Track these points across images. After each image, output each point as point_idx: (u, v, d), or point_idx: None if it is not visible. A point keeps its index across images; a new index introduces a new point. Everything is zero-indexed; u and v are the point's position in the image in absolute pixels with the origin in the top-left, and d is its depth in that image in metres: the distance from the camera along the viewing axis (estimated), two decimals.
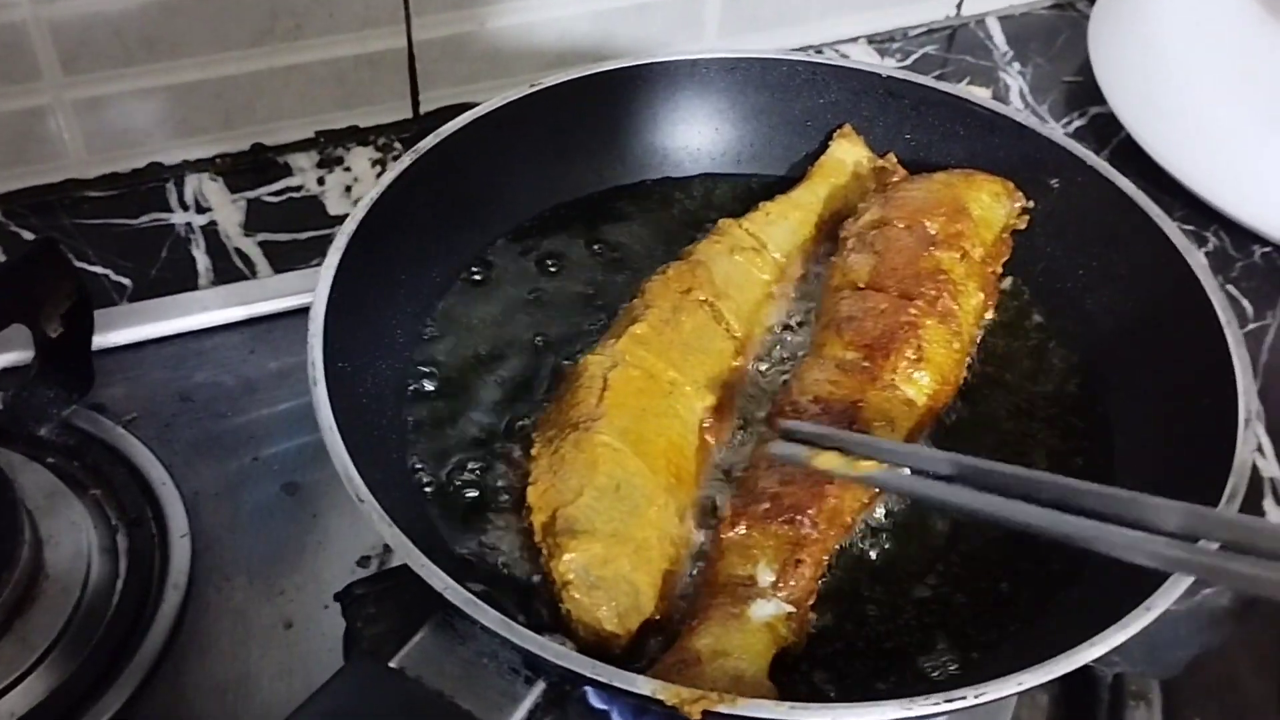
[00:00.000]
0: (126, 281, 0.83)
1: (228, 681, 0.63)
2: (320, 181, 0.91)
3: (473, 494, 0.59)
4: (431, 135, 0.68)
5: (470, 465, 0.60)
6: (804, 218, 0.71)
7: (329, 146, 0.94)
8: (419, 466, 0.60)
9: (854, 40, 1.07)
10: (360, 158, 0.93)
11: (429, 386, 0.64)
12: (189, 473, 0.71)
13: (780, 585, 0.51)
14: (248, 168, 0.91)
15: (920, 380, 0.60)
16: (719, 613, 0.50)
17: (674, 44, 0.97)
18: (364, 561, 0.68)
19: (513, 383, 0.65)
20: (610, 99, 0.74)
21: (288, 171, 0.92)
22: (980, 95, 0.74)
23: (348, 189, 0.91)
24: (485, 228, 0.71)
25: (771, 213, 0.70)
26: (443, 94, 0.95)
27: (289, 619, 0.66)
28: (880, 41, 1.07)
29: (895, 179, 0.70)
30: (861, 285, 0.63)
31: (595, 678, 0.44)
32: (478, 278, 0.70)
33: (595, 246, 0.73)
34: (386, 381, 0.63)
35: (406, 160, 0.66)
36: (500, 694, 0.46)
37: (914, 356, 0.59)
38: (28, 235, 0.84)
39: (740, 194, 0.76)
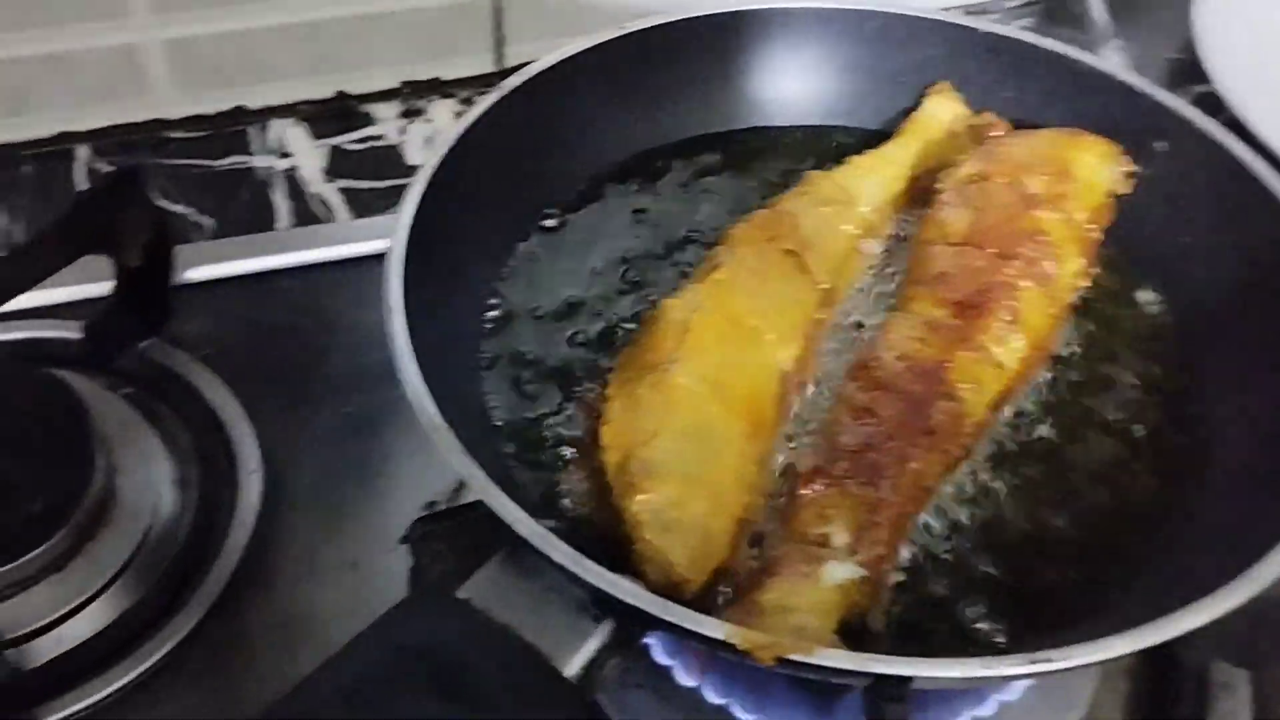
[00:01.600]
0: (207, 222, 0.83)
1: (291, 619, 0.62)
2: (401, 132, 0.91)
3: (546, 434, 0.58)
4: (518, 73, 0.67)
5: (545, 406, 0.59)
6: (895, 173, 0.68)
7: (412, 97, 0.93)
8: (494, 404, 0.59)
9: (947, 11, 1.03)
10: (442, 110, 0.93)
11: (507, 325, 0.63)
12: (261, 410, 0.70)
13: (855, 548, 0.49)
14: (331, 115, 0.91)
15: (1013, 343, 0.57)
16: (790, 569, 0.48)
17: None
18: (431, 506, 0.67)
19: (592, 326, 0.63)
20: (701, 46, 0.72)
21: (370, 120, 0.91)
22: (1085, 55, 0.71)
23: (428, 140, 0.90)
24: (571, 171, 0.70)
25: (861, 166, 0.68)
26: (528, 49, 0.93)
27: (355, 560, 0.65)
28: (975, 14, 1.04)
29: (996, 133, 0.68)
30: (956, 241, 0.60)
31: (665, 618, 0.42)
32: (560, 221, 0.69)
33: (680, 193, 0.71)
34: (464, 317, 0.62)
35: (494, 96, 0.65)
36: (567, 631, 0.44)
37: (1008, 319, 0.57)
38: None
39: (830, 147, 0.74)
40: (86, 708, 0.58)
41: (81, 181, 0.84)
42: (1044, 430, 0.59)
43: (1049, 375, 0.61)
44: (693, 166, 0.72)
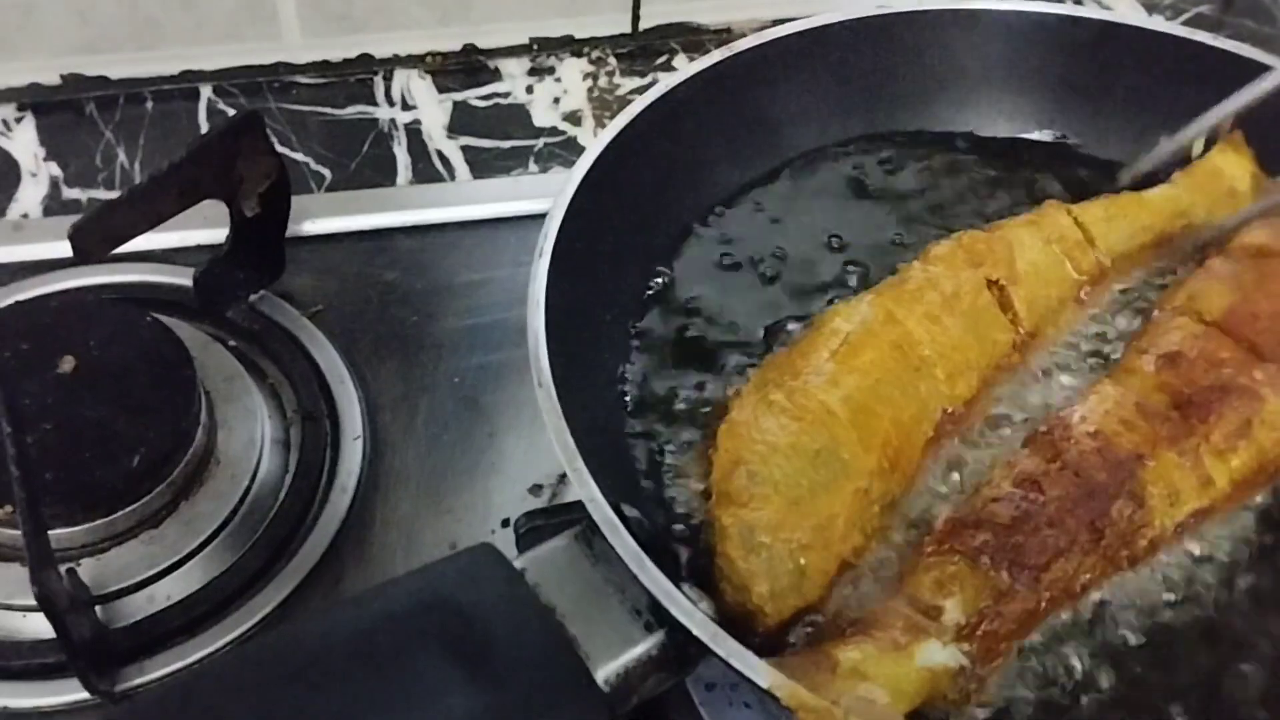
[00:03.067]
0: (326, 172, 0.81)
1: None
2: (529, 90, 0.87)
3: (674, 419, 0.54)
4: (707, 56, 0.64)
5: (680, 393, 0.55)
6: (1151, 223, 0.60)
7: (541, 55, 0.89)
8: (627, 378, 0.56)
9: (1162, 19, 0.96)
10: (572, 69, 0.89)
11: (661, 304, 0.60)
12: (369, 374, 0.68)
13: (967, 633, 0.43)
14: (457, 68, 0.88)
15: (1232, 461, 0.49)
16: (884, 634, 0.42)
17: None
18: (536, 490, 0.64)
19: (748, 327, 0.59)
20: (898, 43, 0.67)
21: (497, 76, 0.88)
22: None
23: (556, 100, 0.86)
24: (759, 151, 0.66)
25: (1113, 207, 0.61)
26: (664, 10, 0.89)
27: (454, 539, 0.62)
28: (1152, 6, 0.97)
29: None
30: (1208, 320, 0.53)
31: (714, 649, 0.38)
32: (729, 211, 0.65)
33: (858, 195, 0.66)
34: (617, 291, 0.59)
35: (680, 76, 0.62)
36: (613, 631, 0.41)
37: (1236, 430, 0.49)
38: (235, 114, 0.82)
39: (1050, 163, 0.68)
40: (171, 673, 0.56)
41: (204, 122, 0.82)
42: (1244, 581, 0.49)
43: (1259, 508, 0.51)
44: (883, 166, 0.67)
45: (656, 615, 0.41)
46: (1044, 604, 0.45)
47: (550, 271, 0.52)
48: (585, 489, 0.42)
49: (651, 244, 0.63)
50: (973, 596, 0.43)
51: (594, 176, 0.57)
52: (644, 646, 0.41)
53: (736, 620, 0.44)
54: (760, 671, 0.38)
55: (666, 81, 0.63)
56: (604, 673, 0.40)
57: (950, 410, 0.51)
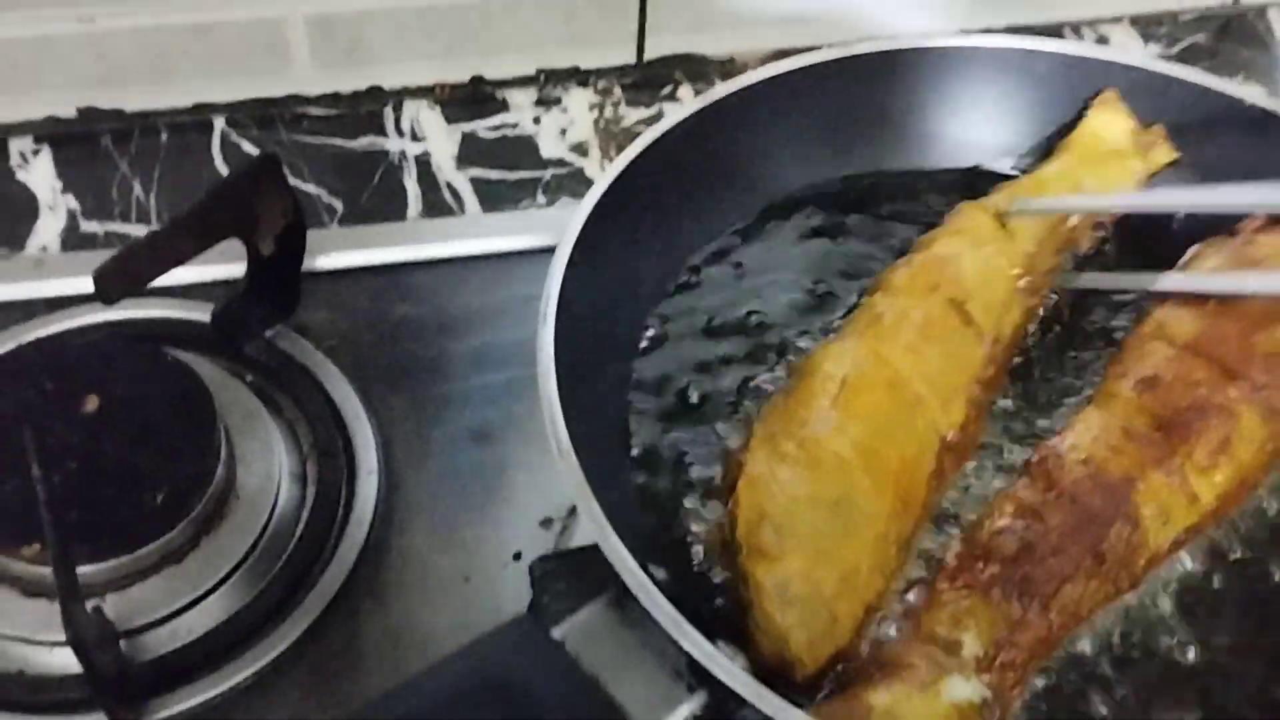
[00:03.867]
0: (337, 204, 0.82)
1: (402, 629, 0.61)
2: (536, 121, 0.88)
3: (681, 470, 0.56)
4: (709, 93, 0.65)
5: (687, 443, 0.56)
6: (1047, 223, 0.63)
7: (548, 85, 0.91)
8: (634, 429, 0.57)
9: (1117, 20, 0.98)
10: (579, 100, 0.90)
11: (662, 347, 0.61)
12: (383, 408, 0.69)
13: (986, 664, 0.45)
14: (466, 99, 0.89)
15: (1215, 476, 0.51)
16: (910, 674, 0.44)
17: (921, 17, 0.90)
18: (546, 523, 0.66)
19: (747, 367, 0.61)
20: (886, 79, 0.69)
21: (505, 107, 0.89)
22: None
23: (563, 131, 0.88)
24: (745, 197, 0.68)
25: (1017, 190, 0.63)
26: (669, 41, 0.90)
27: (468, 573, 0.63)
28: (1145, 24, 0.98)
29: (1252, 227, 0.61)
30: (1179, 344, 0.55)
31: (760, 707, 0.40)
32: (726, 249, 0.66)
33: (848, 231, 0.67)
34: (620, 336, 0.60)
35: (681, 114, 0.63)
36: (657, 695, 0.42)
37: (1216, 447, 0.51)
38: (248, 146, 0.84)
39: None
40: (197, 706, 0.57)
41: (218, 153, 0.84)
42: (1219, 580, 0.52)
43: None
44: (868, 202, 0.68)
45: (696, 675, 0.43)
46: (1055, 630, 0.46)
47: (556, 330, 0.53)
48: (616, 556, 0.43)
49: (647, 289, 0.64)
50: (988, 629, 0.45)
51: (591, 225, 0.58)
52: (688, 708, 0.42)
53: (773, 670, 0.45)
54: None
55: (649, 134, 0.63)
56: None
57: (948, 438, 0.53)
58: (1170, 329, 0.56)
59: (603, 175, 0.60)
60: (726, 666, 0.41)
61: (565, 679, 0.42)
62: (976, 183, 0.69)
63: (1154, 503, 0.49)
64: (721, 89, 0.66)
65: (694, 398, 0.59)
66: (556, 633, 0.44)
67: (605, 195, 0.59)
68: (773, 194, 0.69)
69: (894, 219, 0.67)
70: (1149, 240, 0.65)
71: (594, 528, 0.45)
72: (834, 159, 0.70)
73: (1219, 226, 0.62)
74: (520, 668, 0.42)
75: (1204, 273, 0.59)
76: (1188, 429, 0.51)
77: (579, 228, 0.57)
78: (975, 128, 0.71)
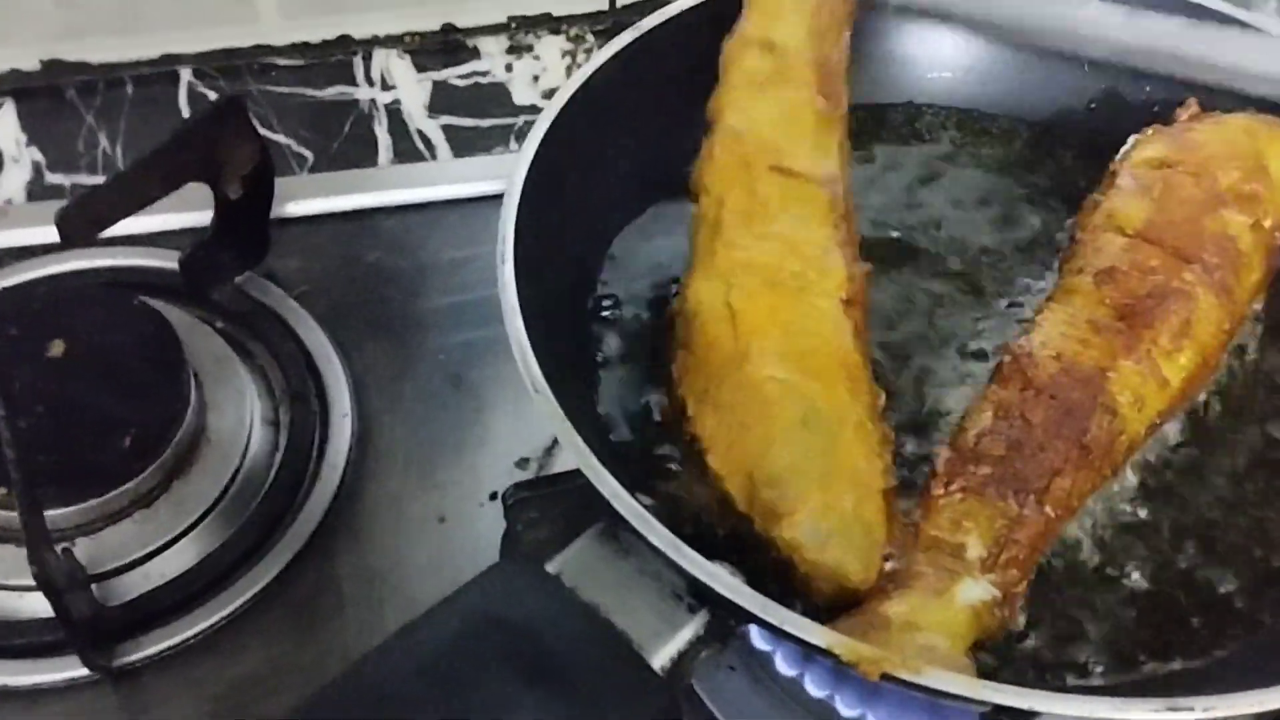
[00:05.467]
0: (307, 154, 0.81)
1: (377, 569, 0.61)
2: (508, 68, 0.88)
3: (648, 399, 0.55)
4: (656, 14, 0.63)
5: (650, 374, 0.56)
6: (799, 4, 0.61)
7: (519, 32, 0.89)
8: (600, 359, 0.56)
9: None
10: (551, 47, 0.89)
11: (621, 279, 0.60)
12: (355, 353, 0.69)
13: (990, 564, 0.45)
14: (436, 48, 0.88)
15: (1180, 359, 0.52)
16: (920, 584, 0.44)
17: None
18: (523, 463, 0.65)
19: None
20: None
21: (476, 55, 0.88)
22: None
23: (535, 78, 0.87)
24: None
25: (764, 7, 0.60)
26: None
27: (443, 513, 0.63)
28: None
29: (1186, 114, 0.61)
30: (1130, 233, 0.55)
31: (766, 619, 0.39)
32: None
33: None
34: (579, 269, 0.59)
35: (626, 38, 0.61)
36: (658, 618, 0.42)
37: (1179, 331, 0.52)
38: (215, 97, 0.83)
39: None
40: (168, 648, 0.57)
41: (185, 105, 0.83)
42: (1192, 454, 0.54)
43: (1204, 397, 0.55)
44: None
45: (697, 595, 0.42)
46: (1051, 523, 0.47)
47: (517, 265, 0.51)
48: (607, 485, 0.43)
49: (607, 217, 0.62)
50: (987, 529, 0.45)
51: (543, 155, 0.57)
52: (691, 628, 0.42)
53: (837, 602, 0.45)
54: (816, 633, 0.40)
55: (598, 56, 0.61)
56: (659, 660, 0.41)
57: (844, 297, 0.52)
58: (1119, 219, 0.56)
59: (551, 101, 0.59)
60: (731, 583, 0.40)
61: (565, 611, 0.42)
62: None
63: (1128, 390, 0.50)
64: (672, 7, 0.64)
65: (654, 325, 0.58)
66: (550, 567, 0.44)
67: (555, 122, 0.58)
68: None
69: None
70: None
71: (580, 461, 0.44)
72: None
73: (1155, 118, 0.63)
74: (519, 603, 0.42)
75: (1143, 160, 0.59)
76: (1150, 315, 0.52)
77: (529, 158, 0.56)
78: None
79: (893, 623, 0.42)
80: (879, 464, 0.47)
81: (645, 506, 0.43)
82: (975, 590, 0.44)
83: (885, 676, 0.38)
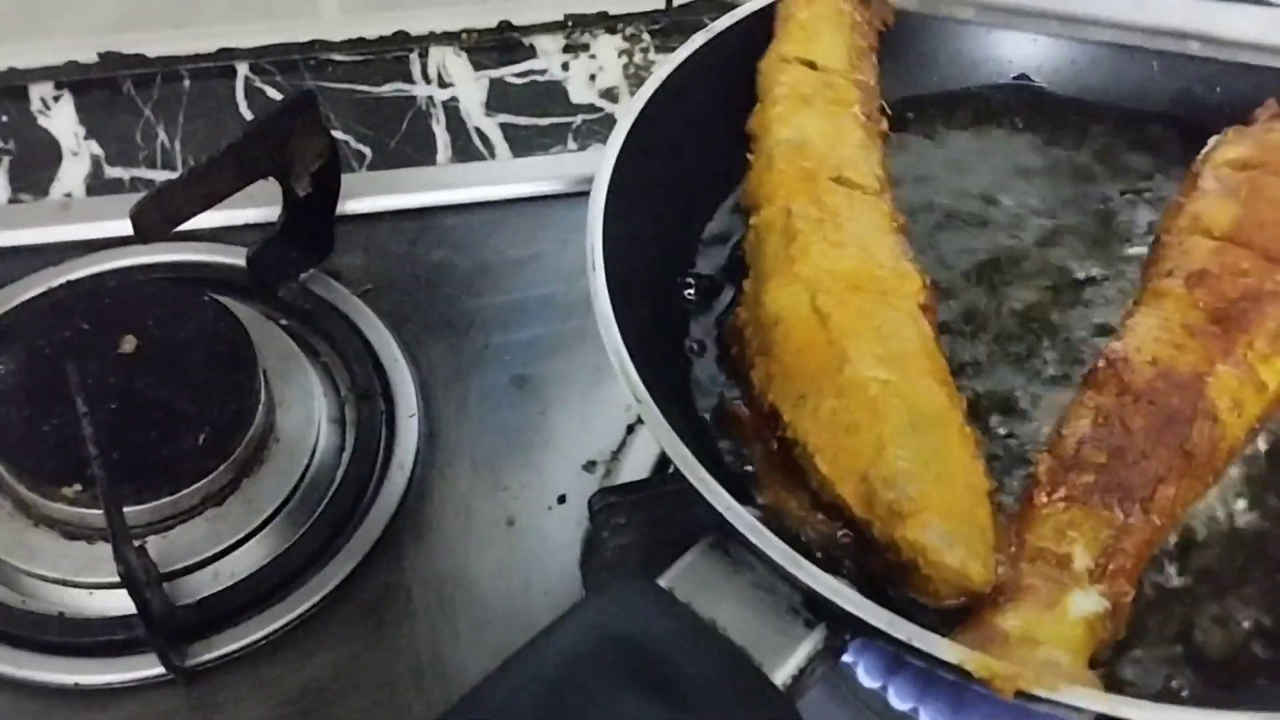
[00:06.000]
0: (366, 150, 0.81)
1: (446, 573, 0.60)
2: (565, 67, 0.87)
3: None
4: (729, 15, 0.63)
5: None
6: (835, 20, 0.63)
7: (575, 31, 0.89)
8: (696, 367, 0.55)
9: None
10: (607, 47, 0.89)
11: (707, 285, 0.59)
12: (420, 352, 0.68)
13: (1098, 574, 0.44)
14: (493, 45, 0.87)
15: (1276, 364, 0.51)
16: (1032, 595, 0.43)
17: None
18: (590, 466, 0.65)
19: None
20: None
21: (533, 53, 0.87)
22: None
23: (592, 77, 0.87)
24: None
25: (802, 28, 0.62)
26: None
27: (512, 516, 0.63)
28: None
29: (1270, 112, 0.61)
30: (1218, 235, 0.54)
31: (893, 634, 0.39)
32: None
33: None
34: (669, 269, 0.58)
35: (700, 39, 0.61)
36: (777, 633, 0.41)
37: (1275, 333, 0.51)
38: (272, 93, 0.83)
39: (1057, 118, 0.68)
40: (238, 649, 0.56)
41: (242, 100, 0.82)
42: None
43: None
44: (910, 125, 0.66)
45: (814, 610, 0.42)
46: (1157, 531, 0.46)
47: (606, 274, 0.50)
48: (720, 500, 0.42)
49: (687, 220, 0.61)
50: (1094, 538, 0.45)
51: (624, 159, 0.55)
52: (811, 643, 0.41)
53: (963, 606, 0.44)
54: (946, 649, 0.39)
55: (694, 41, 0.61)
56: (781, 676, 0.41)
57: (921, 301, 0.52)
58: (1206, 221, 0.55)
59: (629, 104, 0.58)
60: (856, 598, 0.40)
61: (683, 627, 0.40)
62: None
63: (1227, 395, 0.49)
64: (745, 7, 0.64)
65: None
66: (663, 581, 0.42)
67: (635, 126, 0.57)
68: None
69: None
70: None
71: (689, 474, 0.43)
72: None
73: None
74: (635, 620, 0.40)
75: (1225, 161, 0.58)
76: (1245, 319, 0.51)
77: (612, 163, 0.55)
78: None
79: (1010, 637, 0.42)
80: (980, 466, 0.47)
81: (755, 516, 0.42)
82: (1086, 602, 0.43)
83: (1020, 694, 0.38)
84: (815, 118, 0.59)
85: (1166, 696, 0.44)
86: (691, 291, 0.57)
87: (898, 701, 0.51)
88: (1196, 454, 0.47)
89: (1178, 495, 0.46)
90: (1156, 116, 0.67)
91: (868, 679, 0.51)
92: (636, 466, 0.64)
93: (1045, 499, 0.46)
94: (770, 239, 0.55)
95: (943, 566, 0.42)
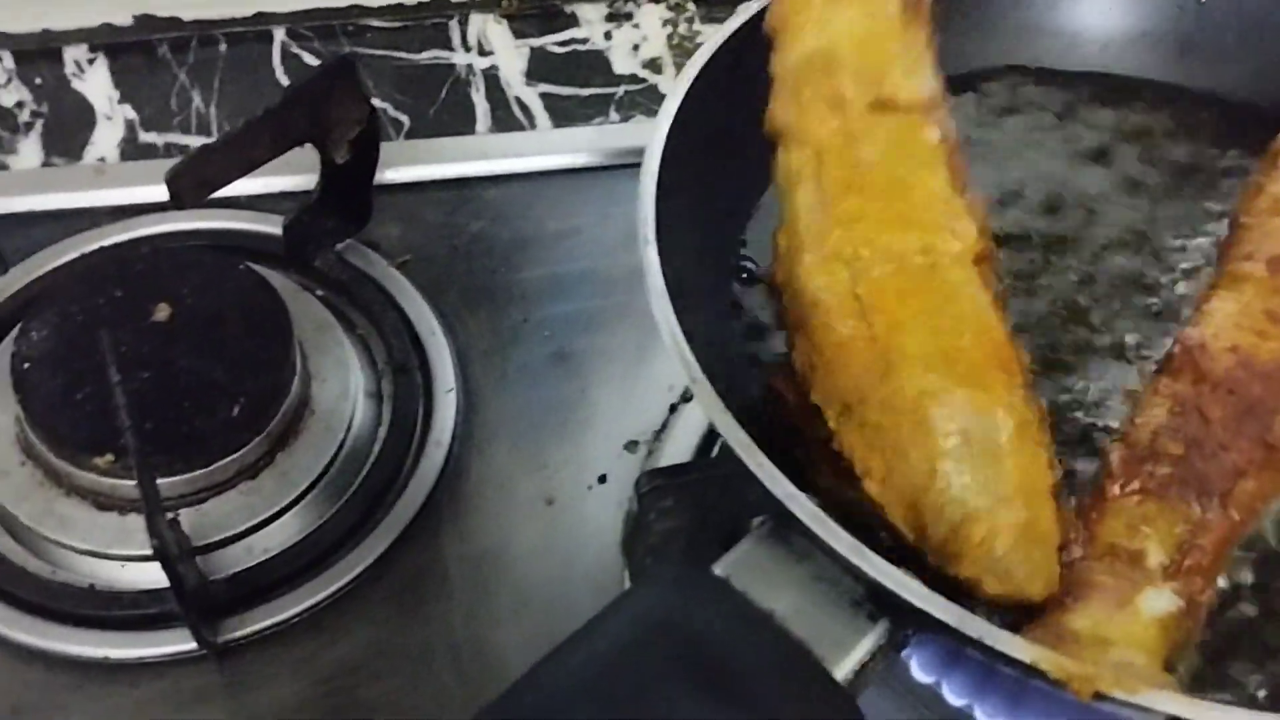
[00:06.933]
0: (404, 118, 0.79)
1: (484, 551, 0.59)
2: (607, 36, 0.85)
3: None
4: None
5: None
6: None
7: (618, 0, 0.87)
8: (747, 342, 0.53)
9: None
10: (650, 15, 0.86)
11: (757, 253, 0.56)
12: (459, 325, 0.67)
13: (1173, 571, 0.42)
14: (534, 13, 0.85)
15: None
16: (1101, 594, 0.41)
17: None
18: (632, 446, 0.63)
19: None
20: None
21: (574, 22, 0.85)
22: None
23: (635, 47, 0.84)
24: None
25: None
26: None
27: (550, 495, 0.61)
28: None
29: None
30: None
31: (965, 632, 0.37)
32: None
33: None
34: (715, 246, 0.55)
35: (754, 6, 0.58)
36: (838, 626, 0.39)
37: None
38: (309, 59, 0.81)
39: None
40: (272, 625, 0.55)
41: (278, 65, 0.81)
42: None
43: None
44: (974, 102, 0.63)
45: (877, 603, 0.40)
46: (1236, 527, 0.44)
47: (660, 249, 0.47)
48: (780, 487, 0.39)
49: (747, 187, 0.57)
50: (1168, 534, 0.42)
51: (675, 133, 0.52)
52: (873, 637, 0.39)
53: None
54: (1019, 648, 0.37)
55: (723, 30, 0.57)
56: (841, 671, 0.39)
57: (976, 254, 0.47)
58: None
59: (679, 80, 0.55)
60: (924, 593, 0.38)
61: (740, 618, 0.38)
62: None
63: None
64: None
65: None
66: (718, 570, 0.40)
67: (685, 101, 0.54)
68: None
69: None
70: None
71: (748, 459, 0.40)
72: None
73: None
74: (691, 609, 0.38)
75: None
76: None
77: (663, 138, 0.52)
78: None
79: (1081, 637, 0.40)
80: (1043, 459, 0.44)
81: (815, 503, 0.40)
82: (1160, 601, 0.41)
83: (1098, 695, 0.36)
84: (845, 10, 0.51)
85: (1247, 703, 0.42)
86: (746, 266, 0.55)
87: (953, 697, 0.49)
88: (1279, 446, 0.45)
89: (1258, 490, 0.44)
90: (1232, 95, 0.64)
91: (922, 674, 0.49)
92: (680, 447, 0.62)
93: (1118, 491, 0.44)
94: (801, 192, 0.50)
95: (1000, 596, 0.40)
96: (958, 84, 0.61)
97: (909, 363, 0.45)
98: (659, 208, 0.50)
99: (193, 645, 0.54)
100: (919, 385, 0.44)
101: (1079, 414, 0.50)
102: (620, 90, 0.82)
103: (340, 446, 0.60)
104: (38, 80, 0.78)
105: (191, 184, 0.57)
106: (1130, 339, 0.53)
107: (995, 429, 0.44)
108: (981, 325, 0.47)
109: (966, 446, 0.43)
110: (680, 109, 0.54)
